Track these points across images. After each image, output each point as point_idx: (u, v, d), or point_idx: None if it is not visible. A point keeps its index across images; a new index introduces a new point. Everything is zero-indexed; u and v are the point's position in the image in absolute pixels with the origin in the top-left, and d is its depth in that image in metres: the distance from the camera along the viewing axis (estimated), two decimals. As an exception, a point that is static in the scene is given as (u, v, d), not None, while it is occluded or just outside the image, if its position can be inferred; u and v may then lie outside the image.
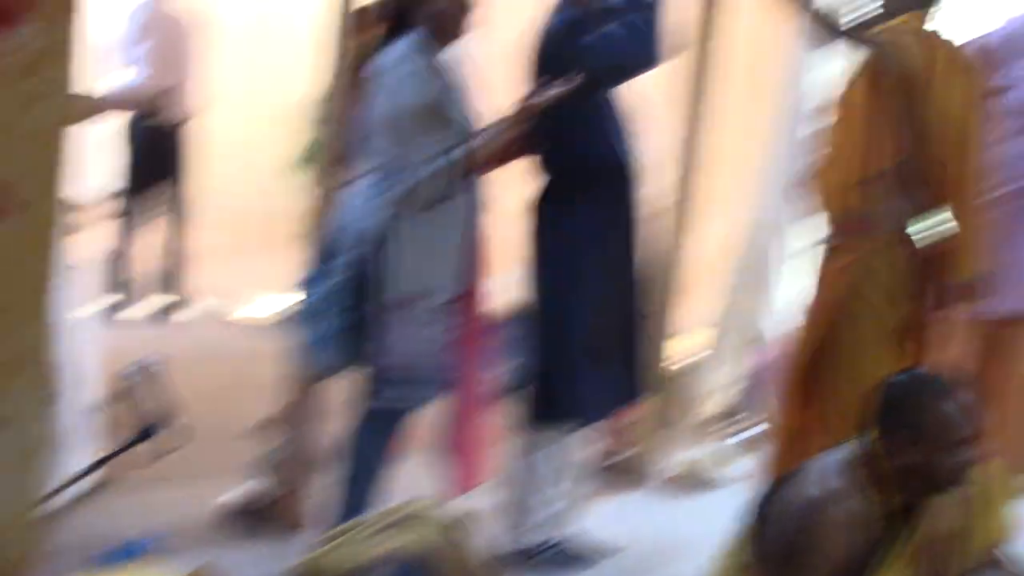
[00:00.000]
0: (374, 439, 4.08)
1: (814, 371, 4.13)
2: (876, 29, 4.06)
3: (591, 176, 4.16)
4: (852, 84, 4.07)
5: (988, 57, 4.61)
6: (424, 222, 3.93)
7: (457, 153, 3.85)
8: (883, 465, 3.17)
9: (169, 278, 7.66)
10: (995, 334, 4.71)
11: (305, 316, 4.10)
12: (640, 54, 3.95)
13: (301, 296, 4.14)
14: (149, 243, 7.66)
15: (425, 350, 3.96)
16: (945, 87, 3.95)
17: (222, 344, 7.11)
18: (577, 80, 3.84)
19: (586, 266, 4.15)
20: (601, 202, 4.17)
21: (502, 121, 3.95)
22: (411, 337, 3.93)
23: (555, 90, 3.85)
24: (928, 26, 4.07)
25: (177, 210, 7.62)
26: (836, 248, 4.08)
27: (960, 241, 4.03)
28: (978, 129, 4.02)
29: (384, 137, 3.90)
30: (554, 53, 4.07)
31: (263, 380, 4.65)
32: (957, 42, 4.09)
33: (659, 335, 5.04)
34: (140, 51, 7.31)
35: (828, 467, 3.26)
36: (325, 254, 4.11)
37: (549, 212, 4.22)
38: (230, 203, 10.42)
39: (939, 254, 4.07)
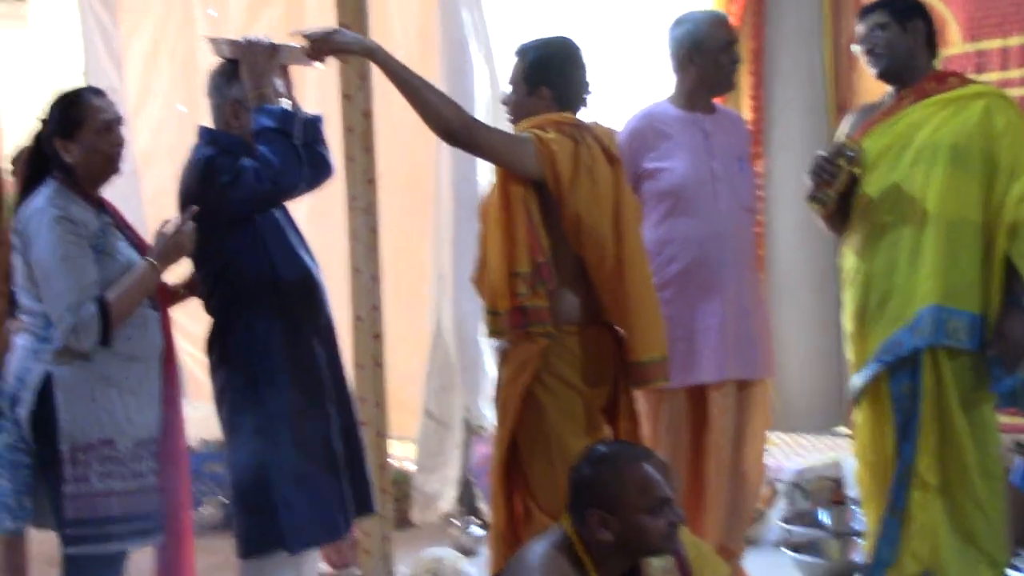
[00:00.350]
0: None
1: (514, 463, 4.11)
2: (521, 125, 4.16)
3: (263, 293, 4.06)
4: (492, 189, 4.16)
5: (637, 141, 4.76)
6: (99, 363, 3.82)
7: (111, 294, 3.80)
8: (589, 543, 3.15)
9: None
10: (685, 404, 4.78)
11: None
12: (279, 182, 3.95)
13: None
14: None
15: (119, 493, 3.81)
16: (590, 181, 4.04)
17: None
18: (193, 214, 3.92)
19: (270, 389, 4.01)
20: (280, 317, 4.06)
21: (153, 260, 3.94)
22: (99, 482, 3.78)
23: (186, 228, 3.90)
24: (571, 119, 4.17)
25: None
26: (516, 341, 4.09)
27: (631, 325, 4.15)
28: (629, 217, 4.15)
29: (31, 287, 3.84)
30: (197, 191, 4.00)
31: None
32: (601, 128, 4.21)
33: (379, 441, 5.03)
34: None
35: (539, 557, 3.22)
36: None
37: (225, 336, 4.09)
38: None
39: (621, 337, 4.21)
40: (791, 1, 6.29)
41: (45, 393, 3.80)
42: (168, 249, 3.91)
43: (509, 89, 4.25)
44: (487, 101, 6.27)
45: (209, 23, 7.30)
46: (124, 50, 7.75)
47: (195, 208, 3.90)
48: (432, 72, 6.01)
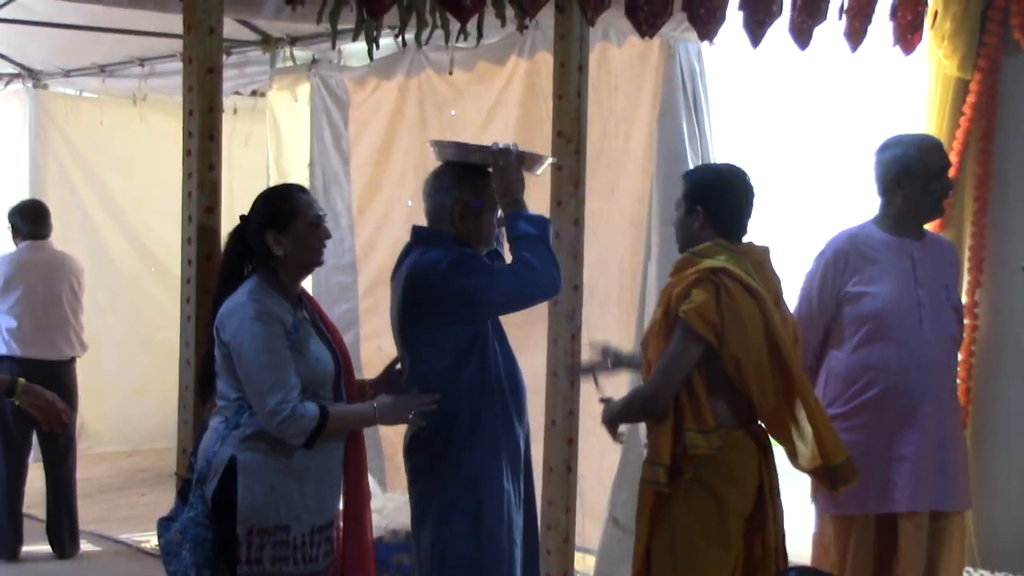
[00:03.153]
0: None
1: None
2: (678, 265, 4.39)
3: (488, 394, 4.27)
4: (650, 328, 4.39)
5: (840, 262, 4.77)
6: (283, 453, 3.98)
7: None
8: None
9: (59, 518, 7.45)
10: (875, 533, 4.73)
11: (166, 551, 4.03)
12: (539, 286, 4.17)
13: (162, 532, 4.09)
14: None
15: None
16: (737, 323, 4.17)
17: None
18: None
19: (490, 496, 4.20)
20: (499, 420, 4.28)
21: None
22: (271, 566, 3.92)
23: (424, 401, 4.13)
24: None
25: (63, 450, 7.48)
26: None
27: (818, 431, 4.23)
28: (784, 339, 4.24)
29: (227, 375, 4.03)
30: (440, 288, 4.14)
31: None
32: (754, 253, 4.36)
33: (566, 547, 5.07)
34: (9, 299, 7.29)
35: None
36: (185, 488, 4.12)
37: (445, 434, 4.23)
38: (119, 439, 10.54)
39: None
40: (1021, 126, 6.11)
41: (229, 475, 3.94)
42: (397, 412, 4.11)
43: (675, 211, 4.47)
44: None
45: (443, 123, 7.48)
46: (352, 147, 7.99)
47: (435, 398, 4.11)
48: (648, 180, 6.06)
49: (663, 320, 4.30)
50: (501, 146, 4.26)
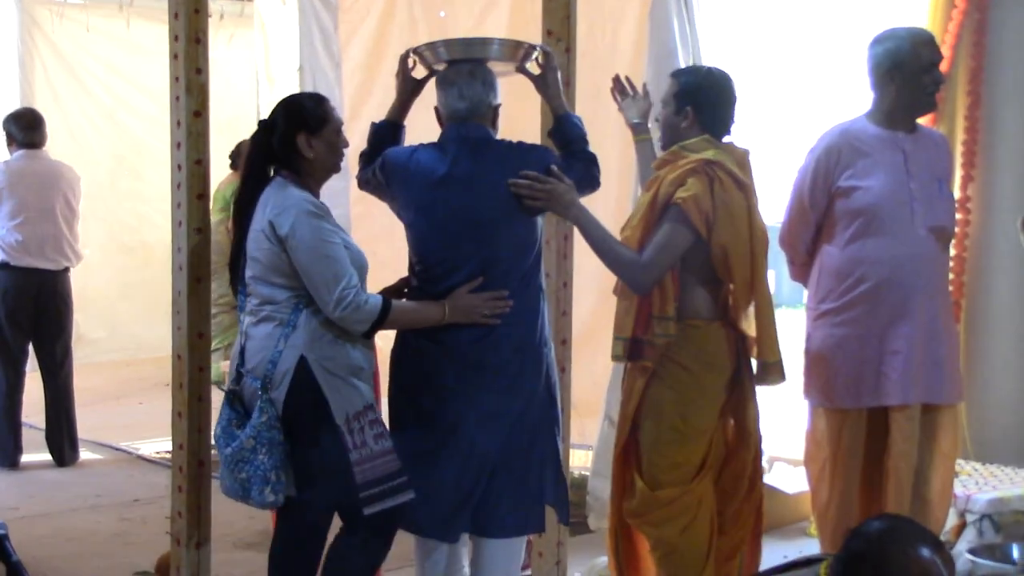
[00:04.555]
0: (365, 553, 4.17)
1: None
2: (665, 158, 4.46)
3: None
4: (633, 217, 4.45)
5: (832, 157, 4.75)
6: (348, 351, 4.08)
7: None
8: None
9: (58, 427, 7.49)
10: (867, 426, 4.77)
11: (235, 459, 4.06)
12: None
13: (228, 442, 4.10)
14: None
15: (391, 451, 4.04)
16: (727, 214, 4.29)
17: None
18: None
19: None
20: None
21: None
22: (375, 444, 4.02)
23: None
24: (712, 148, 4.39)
25: (60, 359, 7.51)
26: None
27: (761, 330, 4.41)
28: (759, 238, 4.36)
29: (275, 276, 4.07)
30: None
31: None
32: (737, 152, 4.45)
33: (562, 447, 5.00)
34: (5, 208, 7.27)
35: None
36: (232, 397, 4.17)
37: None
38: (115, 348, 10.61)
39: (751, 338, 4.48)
40: (1014, 19, 6.07)
41: (300, 375, 4.01)
42: (471, 312, 4.13)
43: (661, 108, 4.55)
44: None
45: (435, 25, 7.42)
46: (343, 51, 7.92)
47: (504, 293, 4.16)
48: (639, 79, 6.01)
49: (650, 206, 4.37)
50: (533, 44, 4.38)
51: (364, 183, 4.48)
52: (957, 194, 5.63)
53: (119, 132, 10.80)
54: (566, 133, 4.41)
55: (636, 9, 6.42)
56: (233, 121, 9.29)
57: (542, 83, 4.43)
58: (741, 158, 4.49)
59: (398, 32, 7.63)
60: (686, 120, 4.45)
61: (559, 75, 4.47)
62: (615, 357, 4.50)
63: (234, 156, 9.30)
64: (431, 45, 4.38)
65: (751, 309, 4.46)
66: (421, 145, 4.32)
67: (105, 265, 10.57)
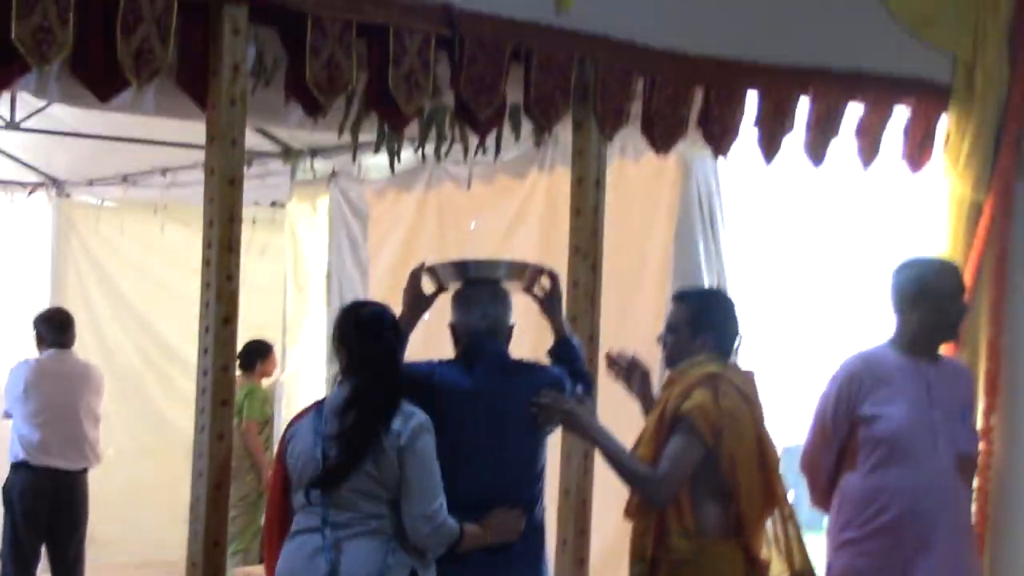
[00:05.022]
0: None
1: None
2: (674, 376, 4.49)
3: None
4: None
5: (854, 385, 4.74)
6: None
7: None
8: None
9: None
10: None
11: None
12: None
13: None
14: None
15: None
16: (732, 420, 4.30)
17: None
18: None
19: None
20: None
21: None
22: None
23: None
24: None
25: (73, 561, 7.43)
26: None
27: (790, 539, 4.41)
28: (770, 452, 4.40)
29: (382, 491, 4.07)
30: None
31: None
32: (737, 373, 4.48)
33: None
34: (29, 406, 7.30)
35: None
36: None
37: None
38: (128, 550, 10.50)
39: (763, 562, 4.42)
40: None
41: None
42: (506, 531, 4.22)
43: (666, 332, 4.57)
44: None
45: (463, 237, 7.52)
46: (372, 259, 8.03)
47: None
48: (665, 296, 6.05)
49: (658, 421, 4.39)
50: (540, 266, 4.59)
51: None
52: (980, 424, 5.58)
53: (147, 335, 10.85)
54: (569, 353, 4.58)
55: (663, 229, 6.51)
56: (263, 327, 9.36)
57: (548, 305, 4.60)
58: (746, 379, 4.53)
59: (426, 242, 7.72)
60: (704, 347, 4.47)
61: (563, 299, 4.66)
62: None
63: (242, 357, 9.35)
64: (443, 264, 4.55)
65: (768, 528, 4.42)
66: (440, 361, 4.39)
67: (123, 466, 10.50)
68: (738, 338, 4.57)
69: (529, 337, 4.83)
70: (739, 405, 4.35)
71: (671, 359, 4.56)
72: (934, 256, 5.10)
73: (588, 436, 4.43)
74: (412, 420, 4.04)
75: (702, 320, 4.49)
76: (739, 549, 4.37)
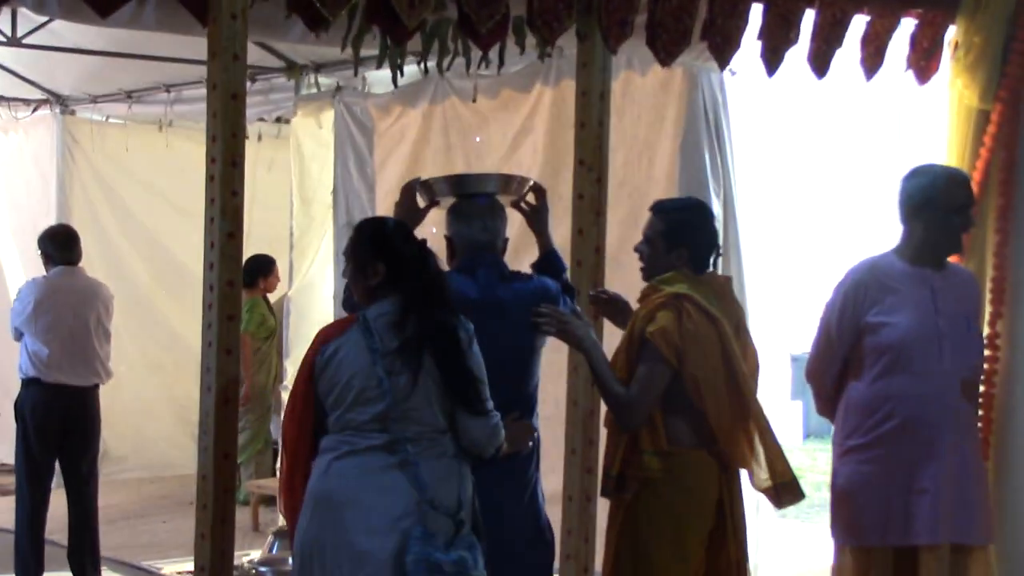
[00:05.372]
0: None
1: None
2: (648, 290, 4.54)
3: None
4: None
5: (860, 293, 4.76)
6: None
7: None
8: None
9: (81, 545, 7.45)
10: (895, 566, 4.70)
11: None
12: None
13: None
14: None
15: None
16: (695, 345, 4.35)
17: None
18: None
19: None
20: None
21: None
22: None
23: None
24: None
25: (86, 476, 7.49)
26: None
27: (768, 450, 4.43)
28: (740, 367, 4.41)
29: (443, 402, 4.08)
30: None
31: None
32: (716, 282, 4.58)
33: None
34: (38, 324, 7.32)
35: None
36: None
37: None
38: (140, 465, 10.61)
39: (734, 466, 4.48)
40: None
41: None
42: (518, 442, 4.34)
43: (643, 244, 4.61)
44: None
45: (470, 150, 7.51)
46: (378, 174, 8.02)
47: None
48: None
49: (627, 341, 4.47)
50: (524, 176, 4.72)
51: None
52: (986, 331, 5.58)
53: (156, 251, 10.88)
54: (553, 265, 4.72)
55: (669, 140, 6.51)
56: (272, 242, 9.39)
57: (535, 217, 4.72)
58: (721, 287, 4.59)
59: (432, 156, 7.72)
60: (680, 259, 4.52)
61: (548, 212, 4.75)
62: (604, 493, 4.53)
63: (243, 272, 9.36)
64: (436, 179, 4.66)
65: (755, 437, 4.46)
66: (448, 271, 4.40)
67: (134, 382, 10.61)
68: (714, 250, 4.62)
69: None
70: (703, 325, 4.39)
71: (647, 271, 4.60)
72: (944, 165, 5.06)
73: (581, 348, 4.46)
74: (467, 324, 4.05)
75: (677, 233, 4.52)
76: (712, 457, 4.44)
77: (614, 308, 4.83)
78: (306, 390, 4.09)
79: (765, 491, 4.47)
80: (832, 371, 4.87)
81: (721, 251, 4.69)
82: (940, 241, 4.75)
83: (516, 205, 4.69)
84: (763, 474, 4.43)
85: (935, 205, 4.69)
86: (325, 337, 4.10)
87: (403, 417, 3.96)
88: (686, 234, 4.53)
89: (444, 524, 3.94)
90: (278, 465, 8.56)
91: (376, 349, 3.97)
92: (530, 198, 4.74)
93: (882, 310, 4.70)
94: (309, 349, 4.12)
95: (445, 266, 4.34)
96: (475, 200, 4.53)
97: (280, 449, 4.19)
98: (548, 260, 4.71)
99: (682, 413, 4.40)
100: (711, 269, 4.63)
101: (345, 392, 3.99)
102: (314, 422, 4.11)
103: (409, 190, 4.63)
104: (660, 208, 4.68)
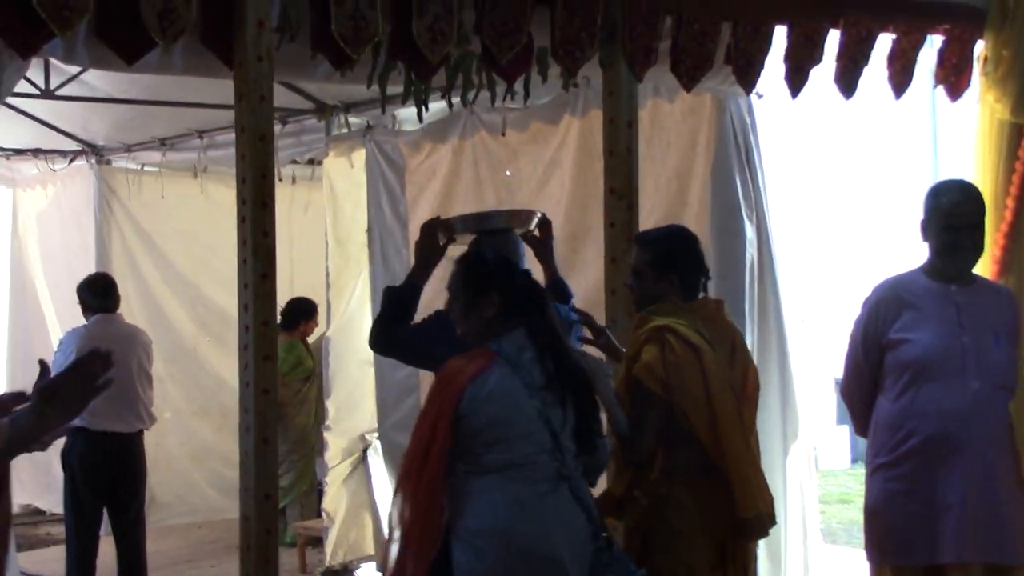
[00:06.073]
0: None
1: None
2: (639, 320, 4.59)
3: None
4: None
5: (882, 311, 4.76)
6: None
7: None
8: None
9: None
10: None
11: None
12: None
13: None
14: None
15: None
16: (677, 374, 4.39)
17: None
18: None
19: None
20: None
21: None
22: None
23: None
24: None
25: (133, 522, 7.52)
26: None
27: (733, 483, 4.41)
28: (719, 390, 4.42)
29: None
30: None
31: None
32: (707, 309, 4.63)
33: None
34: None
35: None
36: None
37: None
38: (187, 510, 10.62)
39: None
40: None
41: None
42: None
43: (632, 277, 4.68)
44: (751, 261, 6.28)
45: (500, 184, 7.53)
46: (411, 212, 8.04)
47: None
48: (704, 235, 6.04)
49: (626, 375, 4.53)
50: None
51: (396, 343, 4.76)
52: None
53: (197, 298, 10.93)
54: (562, 291, 4.97)
55: (700, 166, 6.50)
56: (314, 286, 9.42)
57: (541, 247, 4.98)
58: (712, 312, 4.66)
59: (463, 192, 7.73)
60: (671, 287, 4.57)
61: (553, 243, 5.01)
62: (605, 514, 4.49)
63: (285, 315, 9.42)
64: (453, 218, 4.92)
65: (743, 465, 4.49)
66: None
67: (180, 429, 10.65)
68: (703, 274, 4.66)
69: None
70: (685, 355, 4.42)
71: (639, 302, 4.65)
72: (960, 180, 5.04)
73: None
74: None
75: (665, 261, 4.57)
76: (714, 484, 4.43)
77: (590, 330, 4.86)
78: (450, 424, 3.96)
79: (743, 522, 4.45)
80: (862, 390, 4.85)
81: (710, 275, 4.72)
82: (954, 250, 4.71)
83: (525, 237, 4.90)
84: (747, 502, 4.45)
85: (939, 215, 4.68)
86: (473, 373, 3.99)
87: (560, 448, 4.03)
88: (674, 261, 4.59)
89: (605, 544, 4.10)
90: (324, 505, 8.62)
91: (530, 384, 4.00)
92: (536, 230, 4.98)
93: (903, 326, 4.68)
94: (446, 385, 4.01)
95: None
96: (497, 235, 4.69)
97: (398, 488, 4.06)
98: (556, 287, 4.94)
99: (682, 443, 4.42)
100: (703, 294, 4.68)
101: (508, 429, 3.98)
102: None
103: (430, 228, 4.79)
104: (644, 239, 4.74)
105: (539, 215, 4.94)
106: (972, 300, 4.72)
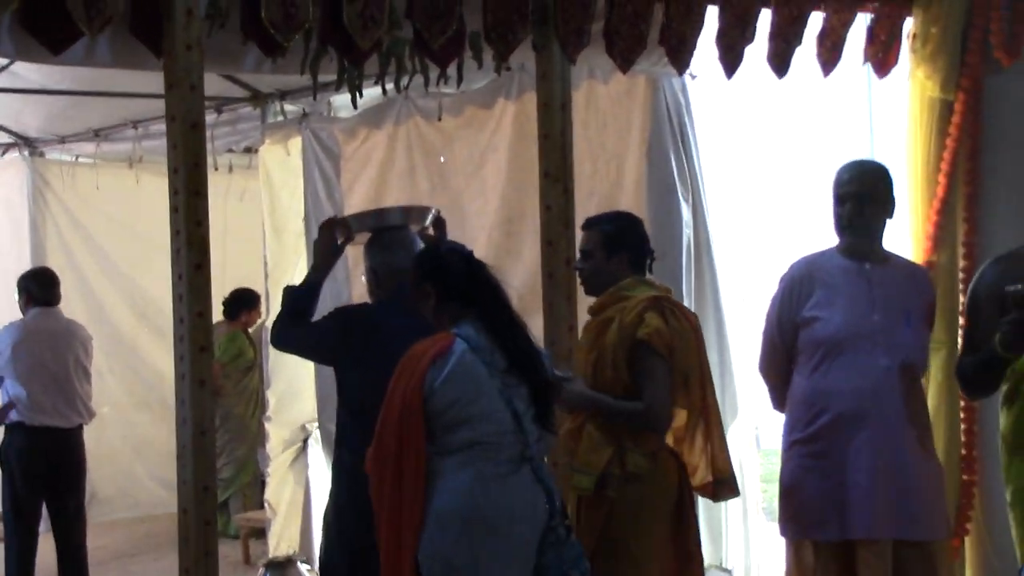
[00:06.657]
0: None
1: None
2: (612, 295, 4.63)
3: None
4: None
5: (796, 288, 4.82)
6: None
7: None
8: None
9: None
10: (836, 561, 4.73)
11: None
12: None
13: None
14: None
15: None
16: (682, 342, 4.51)
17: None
18: None
19: None
20: None
21: None
22: None
23: None
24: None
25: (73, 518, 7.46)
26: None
27: (715, 447, 4.60)
28: (707, 368, 4.63)
29: None
30: None
31: None
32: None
33: None
34: (18, 367, 7.30)
35: None
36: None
37: None
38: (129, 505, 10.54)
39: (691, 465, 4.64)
40: (1008, 146, 6.09)
41: None
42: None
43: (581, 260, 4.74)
44: (688, 241, 6.32)
45: (434, 171, 7.50)
46: (345, 199, 8.00)
47: None
48: (643, 214, 6.05)
49: (619, 347, 4.52)
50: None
51: (293, 340, 4.83)
52: (962, 321, 5.54)
53: (134, 290, 10.83)
54: None
55: (636, 147, 6.51)
56: (251, 275, 9.36)
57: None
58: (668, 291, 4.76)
59: (397, 179, 7.70)
60: (621, 265, 4.64)
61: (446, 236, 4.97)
62: (582, 490, 4.55)
63: (227, 305, 9.36)
64: (349, 216, 5.09)
65: (697, 436, 4.63)
66: (380, 303, 4.76)
67: (121, 422, 10.56)
68: (650, 254, 4.74)
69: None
70: (683, 323, 4.56)
71: (591, 285, 4.70)
72: (867, 158, 5.12)
73: (581, 408, 4.58)
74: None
75: (615, 240, 4.64)
76: (672, 455, 4.62)
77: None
78: (420, 407, 4.00)
79: (703, 487, 4.64)
80: (778, 366, 4.93)
81: (655, 256, 4.79)
82: (849, 225, 4.77)
83: (422, 234, 4.94)
84: (705, 469, 4.62)
85: (835, 192, 4.77)
86: (434, 355, 4.04)
87: (523, 429, 4.07)
88: (623, 240, 4.66)
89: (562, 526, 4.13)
90: (266, 496, 8.57)
91: (491, 364, 4.06)
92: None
93: (815, 304, 4.74)
94: (413, 365, 4.03)
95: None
96: (395, 231, 4.80)
97: (376, 476, 4.05)
98: None
99: None
100: (650, 275, 4.74)
101: (470, 408, 4.02)
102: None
103: (329, 227, 4.88)
104: (592, 223, 4.78)
105: (434, 212, 5.01)
106: (885, 278, 4.76)
